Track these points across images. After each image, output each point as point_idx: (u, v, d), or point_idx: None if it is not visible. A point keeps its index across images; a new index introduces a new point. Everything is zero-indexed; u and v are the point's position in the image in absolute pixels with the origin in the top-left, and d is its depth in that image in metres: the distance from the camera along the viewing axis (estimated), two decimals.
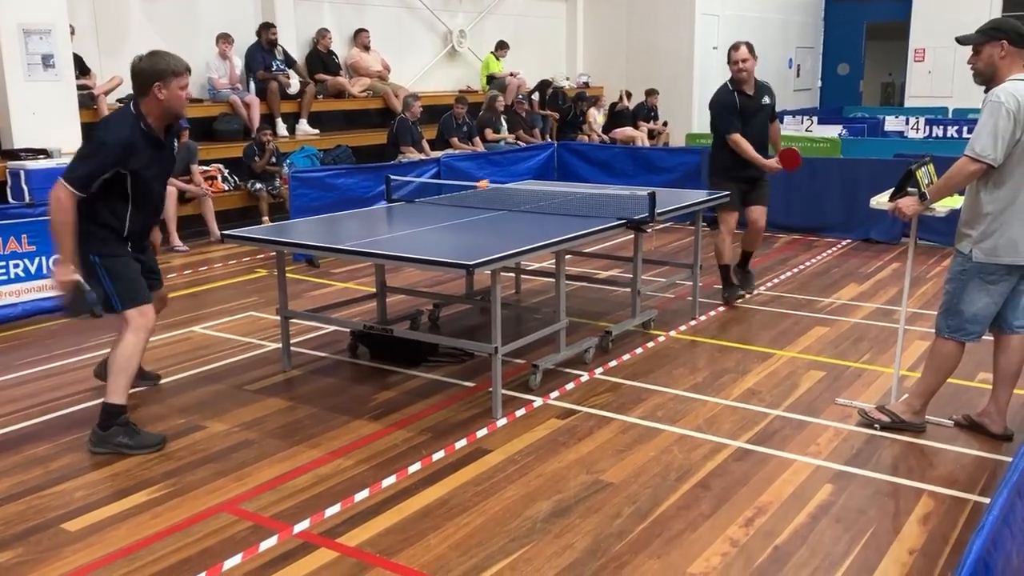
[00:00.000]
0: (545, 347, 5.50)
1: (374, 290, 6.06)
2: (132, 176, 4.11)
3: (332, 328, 6.02)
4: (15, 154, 8.47)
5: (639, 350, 5.72)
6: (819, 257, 8.53)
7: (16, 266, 6.14)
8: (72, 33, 9.39)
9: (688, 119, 16.34)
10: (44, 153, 8.54)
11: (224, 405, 4.83)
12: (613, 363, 5.46)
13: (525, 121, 13.68)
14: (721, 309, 6.68)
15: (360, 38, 12.87)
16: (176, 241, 8.88)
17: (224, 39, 11.00)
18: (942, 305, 4.23)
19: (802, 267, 8.11)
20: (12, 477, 4.01)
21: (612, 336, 5.73)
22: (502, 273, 4.73)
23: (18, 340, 6.06)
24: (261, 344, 5.88)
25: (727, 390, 5.02)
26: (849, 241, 9.20)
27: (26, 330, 6.24)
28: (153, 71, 4.08)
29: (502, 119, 13.20)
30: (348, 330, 5.68)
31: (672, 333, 6.10)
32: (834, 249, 8.90)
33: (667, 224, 9.36)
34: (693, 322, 6.35)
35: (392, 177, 6.36)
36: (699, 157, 10.10)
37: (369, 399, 4.90)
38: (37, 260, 6.23)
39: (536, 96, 14.80)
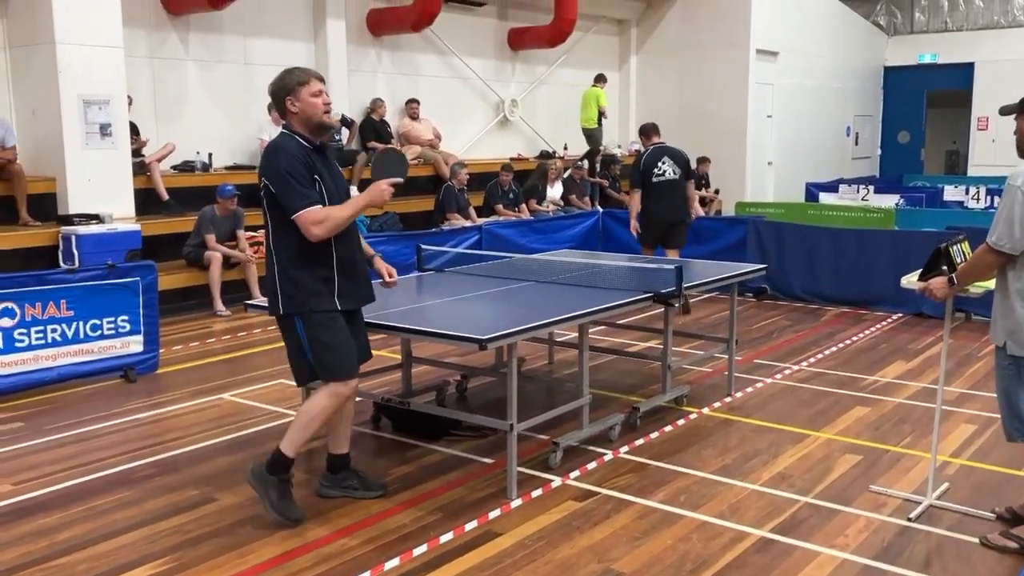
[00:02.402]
0: (570, 422, 5.37)
1: (400, 359, 6.01)
2: (324, 193, 3.96)
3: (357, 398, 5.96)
4: (69, 219, 8.72)
5: (668, 428, 5.55)
6: (867, 332, 8.25)
7: (54, 331, 6.25)
8: (130, 103, 9.72)
9: (741, 187, 16.19)
10: (96, 219, 8.78)
11: (239, 477, 4.76)
12: (640, 441, 5.29)
13: (579, 186, 13.70)
14: (759, 385, 6.47)
15: (410, 107, 13.10)
16: (219, 306, 8.99)
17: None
18: (1000, 407, 3.96)
19: (848, 342, 7.85)
20: (19, 547, 3.99)
21: (640, 412, 5.57)
22: (534, 343, 4.64)
23: (51, 404, 6.13)
24: (287, 414, 5.85)
25: (756, 473, 4.81)
26: (900, 315, 8.90)
27: (59, 395, 6.31)
28: (281, 88, 4.00)
29: (556, 183, 13.24)
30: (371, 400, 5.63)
31: (705, 410, 5.91)
32: (884, 324, 8.61)
33: (710, 295, 9.19)
34: (728, 399, 6.15)
35: (424, 247, 6.35)
36: (745, 227, 9.95)
37: (384, 474, 4.81)
38: (75, 325, 6.34)
39: (584, 163, 14.84)
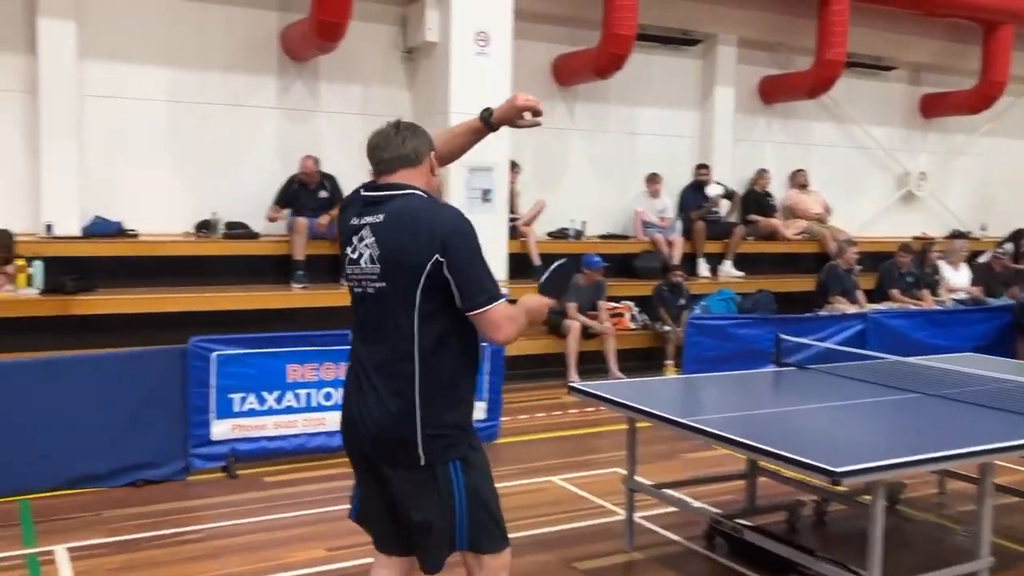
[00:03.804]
0: None
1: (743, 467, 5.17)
2: None
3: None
4: None
5: None
6: None
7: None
8: (518, 171, 9.95)
9: None
10: None
11: None
12: None
13: (997, 276, 11.66)
14: None
15: (797, 178, 12.13)
16: (573, 376, 8.73)
17: (653, 179, 10.98)
18: None
19: None
20: None
21: None
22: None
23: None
24: (613, 511, 5.28)
25: None
26: None
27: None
28: (426, 137, 2.92)
29: (960, 267, 11.44)
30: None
31: None
32: None
33: None
34: None
35: (784, 336, 5.48)
36: None
37: None
38: None
39: (1009, 246, 12.66)
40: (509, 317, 2.78)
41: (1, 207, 8.15)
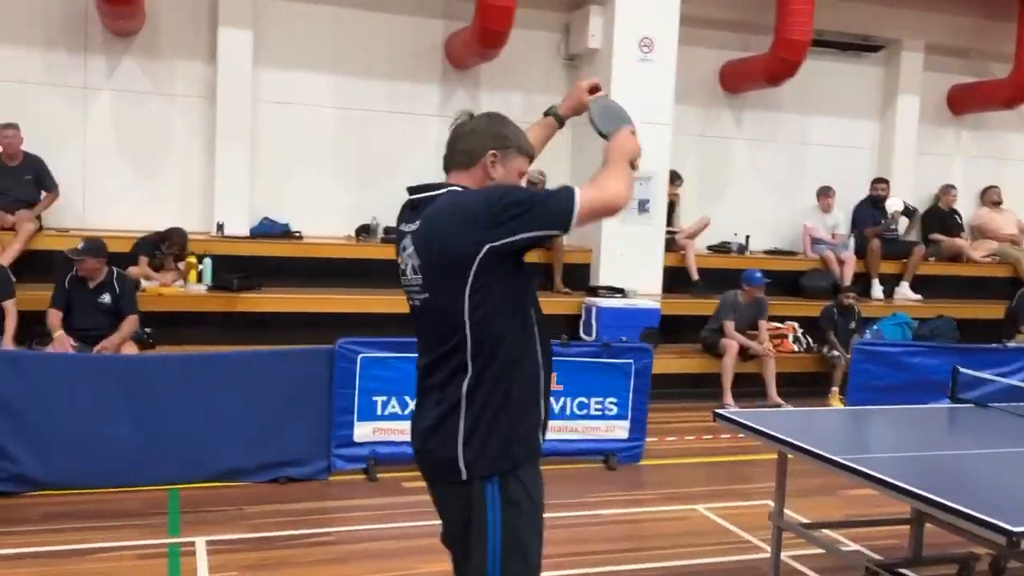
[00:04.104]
0: None
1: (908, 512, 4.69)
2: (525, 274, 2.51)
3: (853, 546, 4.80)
4: (595, 291, 8.84)
5: None
6: None
7: None
8: (679, 182, 9.65)
9: None
10: (620, 292, 8.76)
11: None
12: None
13: None
14: None
15: (989, 195, 11.16)
16: (728, 399, 8.30)
17: (825, 193, 10.37)
18: None
19: None
20: None
21: None
22: None
23: None
24: (759, 547, 4.91)
25: None
26: None
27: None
28: (491, 133, 2.57)
29: None
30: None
31: None
32: None
33: None
34: None
35: (963, 369, 4.95)
36: None
37: None
38: (562, 400, 6.18)
39: None
40: (600, 185, 2.42)
41: (178, 206, 8.61)
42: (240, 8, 8.57)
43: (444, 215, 2.44)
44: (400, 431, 5.93)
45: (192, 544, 4.63)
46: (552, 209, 2.36)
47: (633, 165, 2.56)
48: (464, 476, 2.45)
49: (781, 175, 10.77)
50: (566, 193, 2.37)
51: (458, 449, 2.44)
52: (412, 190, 2.60)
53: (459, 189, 2.51)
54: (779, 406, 8.20)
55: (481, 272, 2.35)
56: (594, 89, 2.89)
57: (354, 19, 9.13)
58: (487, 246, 2.33)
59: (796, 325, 9.34)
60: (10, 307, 6.52)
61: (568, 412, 6.21)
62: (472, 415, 2.43)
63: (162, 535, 4.75)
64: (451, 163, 2.59)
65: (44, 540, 4.59)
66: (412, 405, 5.75)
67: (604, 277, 9.10)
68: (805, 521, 4.79)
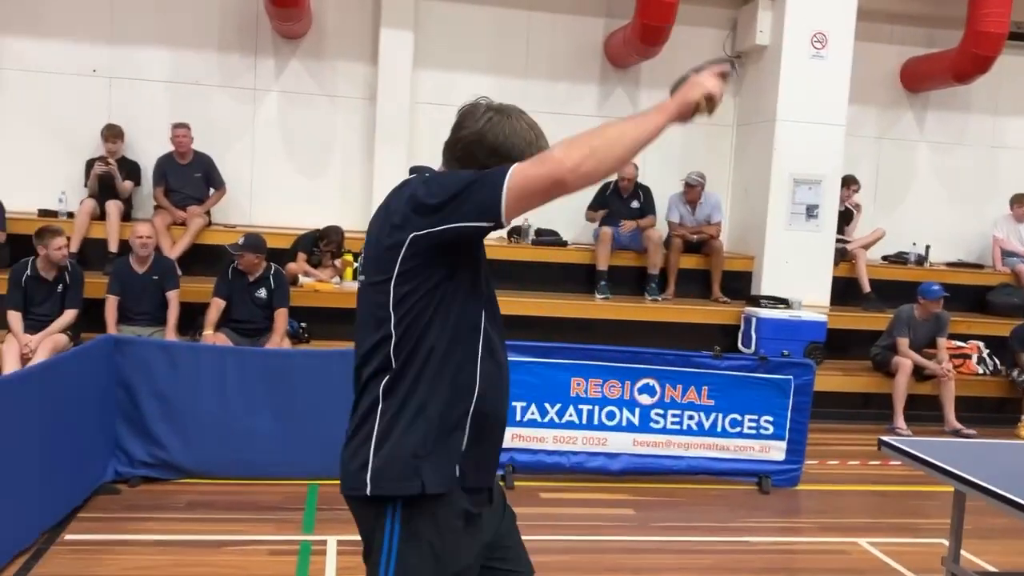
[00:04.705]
0: None
1: None
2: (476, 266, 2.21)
3: None
4: (756, 300, 8.36)
5: None
6: None
7: (691, 418, 5.80)
8: (855, 186, 9.03)
9: None
10: (784, 303, 8.24)
11: None
12: None
13: None
14: None
15: None
16: (899, 422, 7.61)
17: (1020, 201, 9.45)
18: None
19: None
20: None
21: None
22: None
23: (669, 497, 5.67)
24: None
25: None
26: None
27: (681, 488, 5.81)
28: (493, 147, 2.21)
29: None
30: None
31: None
32: None
33: None
34: None
35: None
36: None
37: None
38: (713, 416, 5.81)
39: None
40: (544, 156, 2.02)
41: (337, 205, 8.79)
42: (402, 10, 8.64)
43: (390, 198, 2.18)
44: (539, 439, 5.76)
45: (324, 543, 4.60)
46: (477, 198, 1.99)
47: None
48: (368, 490, 2.10)
49: (968, 181, 9.90)
50: (498, 176, 1.98)
51: (369, 454, 2.10)
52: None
53: (426, 175, 2.18)
54: (959, 433, 7.47)
55: (408, 260, 2.06)
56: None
57: (513, 19, 9.04)
58: (412, 234, 2.05)
59: (981, 345, 8.51)
60: (173, 297, 6.79)
61: (719, 429, 5.83)
62: (385, 419, 2.11)
63: (296, 531, 4.75)
64: (444, 158, 2.29)
65: (185, 528, 4.68)
66: (552, 412, 5.73)
67: (767, 286, 8.60)
68: (987, 568, 4.25)
